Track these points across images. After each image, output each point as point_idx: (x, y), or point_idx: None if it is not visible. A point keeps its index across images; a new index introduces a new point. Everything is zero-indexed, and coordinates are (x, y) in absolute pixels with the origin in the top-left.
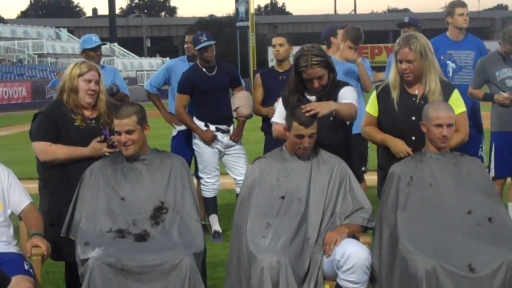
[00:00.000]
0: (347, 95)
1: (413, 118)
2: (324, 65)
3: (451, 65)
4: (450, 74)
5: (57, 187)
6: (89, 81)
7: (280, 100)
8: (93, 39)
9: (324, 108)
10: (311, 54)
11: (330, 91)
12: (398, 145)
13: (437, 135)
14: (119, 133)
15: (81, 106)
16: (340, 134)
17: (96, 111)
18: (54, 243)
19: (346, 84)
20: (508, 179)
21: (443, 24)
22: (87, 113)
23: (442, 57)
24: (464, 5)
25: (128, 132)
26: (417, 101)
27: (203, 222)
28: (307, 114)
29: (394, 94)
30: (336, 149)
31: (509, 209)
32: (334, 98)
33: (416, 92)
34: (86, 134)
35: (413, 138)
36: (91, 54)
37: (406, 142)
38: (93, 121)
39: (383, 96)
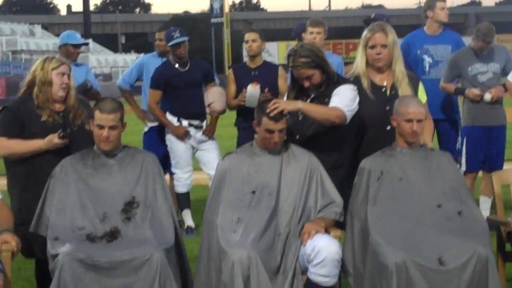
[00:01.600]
0: (337, 96)
1: (387, 108)
2: (312, 66)
3: (427, 59)
4: (427, 69)
5: (26, 184)
6: (63, 74)
7: (250, 85)
8: (77, 36)
9: (289, 105)
10: (298, 54)
11: (325, 90)
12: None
13: (407, 130)
14: (101, 127)
15: (52, 100)
16: (333, 134)
17: (64, 105)
18: (25, 241)
19: (347, 82)
20: (480, 173)
21: (417, 20)
22: (57, 106)
23: (418, 52)
24: None
25: (112, 127)
26: (388, 92)
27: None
28: (272, 113)
29: (365, 84)
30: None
31: (480, 202)
32: (329, 97)
33: (385, 83)
34: (52, 129)
35: (388, 128)
36: (71, 50)
37: (380, 133)
38: (60, 115)
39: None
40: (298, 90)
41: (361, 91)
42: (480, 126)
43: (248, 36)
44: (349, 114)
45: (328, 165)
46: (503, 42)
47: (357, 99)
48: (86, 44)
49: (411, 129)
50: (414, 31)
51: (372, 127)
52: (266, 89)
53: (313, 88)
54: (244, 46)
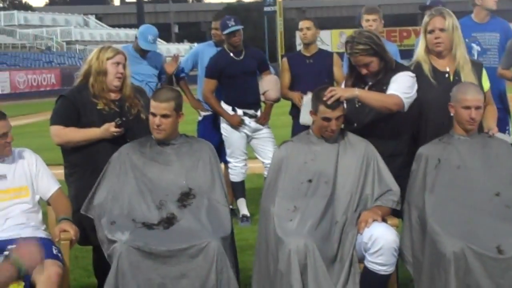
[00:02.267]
0: (395, 83)
1: (450, 94)
2: (370, 53)
3: (475, 48)
4: (475, 57)
5: (83, 172)
6: (118, 64)
7: (309, 94)
8: (149, 37)
9: (346, 92)
10: (356, 41)
11: (383, 78)
12: None
13: (465, 117)
14: (154, 115)
15: (108, 90)
16: (391, 122)
17: (120, 94)
18: (81, 228)
19: (405, 69)
20: None
21: (466, 7)
22: (112, 96)
23: (467, 40)
24: None
25: (164, 116)
26: (451, 78)
27: (231, 207)
28: (329, 101)
29: (427, 69)
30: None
31: None
32: (387, 84)
33: (447, 69)
34: (109, 118)
35: (452, 114)
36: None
37: (445, 119)
38: (116, 103)
39: (416, 74)
40: (356, 78)
41: (422, 77)
42: None
43: (303, 24)
44: (407, 101)
45: (385, 153)
46: None
47: (415, 87)
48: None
49: (469, 116)
50: (462, 19)
51: (436, 113)
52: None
53: (371, 75)
54: (298, 34)
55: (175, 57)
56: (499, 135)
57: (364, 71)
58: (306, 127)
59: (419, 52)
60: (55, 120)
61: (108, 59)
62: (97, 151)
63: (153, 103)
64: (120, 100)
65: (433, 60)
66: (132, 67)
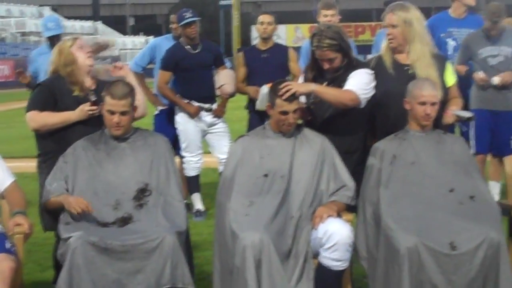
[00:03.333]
0: (352, 79)
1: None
2: (336, 49)
3: (451, 43)
4: (451, 52)
5: (56, 160)
6: (81, 46)
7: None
8: (50, 26)
9: (301, 87)
10: (324, 35)
11: (342, 75)
12: None
13: (420, 113)
14: (112, 113)
15: (82, 75)
16: (347, 118)
17: (95, 82)
18: (51, 214)
19: (364, 66)
20: (489, 158)
21: (432, 2)
22: (88, 83)
23: (442, 35)
24: None
25: (123, 113)
26: (410, 70)
27: (185, 201)
28: (284, 96)
29: (388, 61)
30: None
31: (490, 187)
32: (345, 81)
33: (408, 62)
34: (85, 103)
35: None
36: (54, 40)
37: (400, 110)
38: (92, 91)
39: (377, 67)
40: (317, 71)
41: (384, 69)
42: (488, 110)
43: (264, 18)
44: (363, 98)
45: (342, 150)
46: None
47: (373, 83)
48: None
49: (424, 112)
50: (438, 14)
51: (394, 105)
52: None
53: (331, 71)
54: (256, 28)
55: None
56: (458, 112)
57: (326, 65)
58: (262, 122)
59: (383, 46)
60: (31, 106)
61: (70, 46)
62: (71, 139)
63: (110, 100)
64: (96, 89)
65: (396, 54)
66: (44, 64)
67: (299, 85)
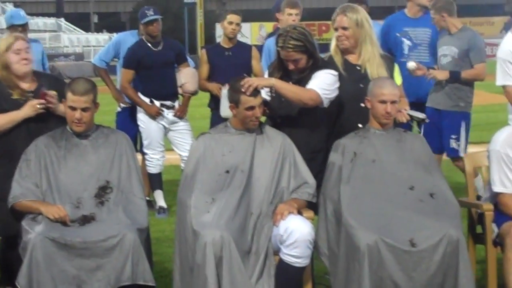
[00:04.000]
0: (316, 79)
1: (361, 85)
2: (302, 50)
3: (406, 42)
4: (406, 52)
5: (1, 161)
6: (19, 51)
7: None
8: (21, 14)
9: (262, 81)
10: (289, 36)
11: (308, 76)
12: None
13: (381, 111)
14: (74, 109)
15: (18, 79)
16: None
17: (34, 83)
18: (2, 216)
19: (329, 67)
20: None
21: (397, 2)
22: (24, 85)
23: (397, 34)
24: None
25: (84, 109)
26: (362, 70)
27: (148, 198)
28: (247, 91)
29: (338, 62)
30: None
31: None
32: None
33: (359, 62)
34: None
35: (362, 104)
36: (19, 29)
37: (355, 110)
38: (31, 94)
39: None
40: (283, 72)
41: (335, 69)
42: (432, 108)
43: (233, 18)
44: (325, 98)
45: (308, 150)
46: (475, 25)
47: (337, 84)
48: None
49: (385, 110)
50: (395, 14)
51: (347, 104)
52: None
53: (297, 71)
54: (222, 26)
55: None
56: (412, 112)
57: (291, 66)
58: (225, 119)
59: (332, 47)
60: None
61: (7, 49)
62: (15, 140)
63: (71, 96)
64: (35, 91)
65: (346, 54)
66: None
67: (259, 79)
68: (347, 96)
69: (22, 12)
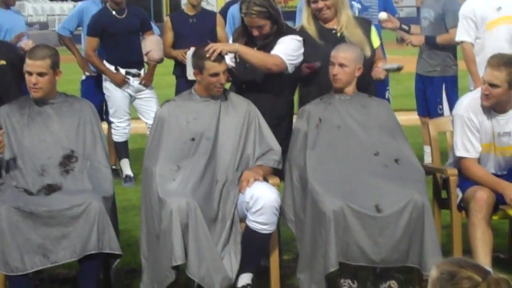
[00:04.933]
0: (280, 45)
1: None
2: (265, 16)
3: (356, 5)
4: (356, 14)
5: None
6: None
7: (192, 49)
8: None
9: (226, 46)
10: (253, 2)
11: (272, 42)
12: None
13: (330, 74)
14: (30, 74)
15: None
16: (276, 83)
17: None
18: None
19: (293, 32)
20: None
21: None
22: None
23: None
24: None
25: (40, 74)
26: (338, 34)
27: (114, 167)
28: (212, 57)
29: (313, 32)
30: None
31: (425, 152)
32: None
33: (335, 26)
34: None
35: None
36: None
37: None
38: None
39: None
40: (248, 38)
41: (309, 40)
42: (418, 74)
43: None
44: (290, 63)
45: (273, 115)
46: None
47: (301, 50)
48: None
49: (331, 72)
50: None
51: (325, 70)
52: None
53: (261, 37)
54: None
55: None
56: (387, 66)
57: (255, 32)
58: (190, 87)
59: (303, 20)
60: None
61: None
62: None
63: (28, 61)
64: None
65: (321, 22)
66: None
67: (223, 44)
68: (325, 61)
69: None
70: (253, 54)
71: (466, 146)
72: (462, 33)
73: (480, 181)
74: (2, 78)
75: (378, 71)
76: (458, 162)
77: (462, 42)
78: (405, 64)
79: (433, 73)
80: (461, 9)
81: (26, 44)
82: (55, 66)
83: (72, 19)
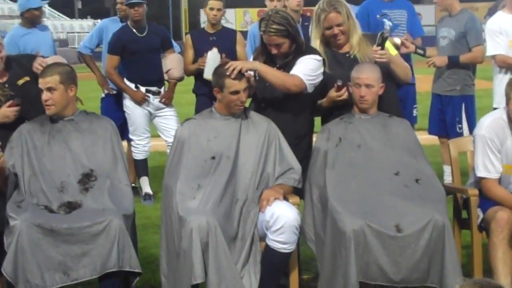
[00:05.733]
0: (300, 64)
1: None
2: (283, 34)
3: (388, 22)
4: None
5: None
6: None
7: (214, 49)
8: None
9: (246, 64)
10: (271, 20)
11: (292, 61)
12: None
13: (356, 95)
14: (42, 91)
15: None
16: (296, 103)
17: (6, 73)
18: None
19: (313, 52)
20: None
21: None
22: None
23: (378, 16)
24: None
25: (49, 89)
26: (352, 56)
27: (133, 185)
28: (232, 75)
29: (326, 57)
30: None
31: (445, 172)
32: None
33: (348, 50)
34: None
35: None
36: (36, 13)
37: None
38: (6, 86)
39: None
40: (267, 56)
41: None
42: (435, 94)
43: (214, 4)
44: (309, 83)
45: (292, 135)
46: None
47: (321, 70)
48: (48, 1)
49: (359, 94)
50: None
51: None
52: (224, 55)
53: (280, 56)
54: (205, 12)
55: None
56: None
57: (274, 51)
58: (210, 105)
59: (315, 44)
60: None
61: None
62: None
63: (39, 80)
64: (9, 80)
65: (333, 45)
66: (30, 44)
67: (244, 62)
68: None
69: None
70: (272, 73)
71: (487, 166)
72: (494, 48)
73: (501, 201)
74: (26, 94)
75: (374, 54)
76: (479, 182)
77: (494, 56)
78: (420, 83)
79: (453, 92)
80: (488, 25)
81: (42, 61)
82: (66, 81)
83: (93, 37)
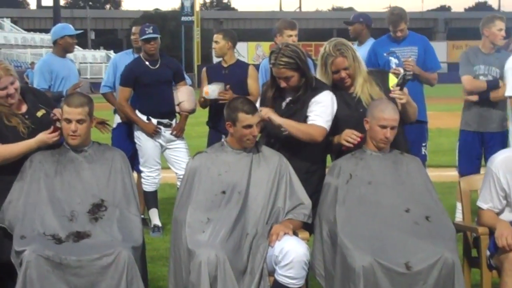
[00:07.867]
0: (317, 108)
1: (361, 110)
2: (293, 68)
3: (394, 60)
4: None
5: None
6: (4, 89)
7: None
8: (71, 26)
9: (276, 118)
10: (281, 53)
11: (302, 95)
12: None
13: (380, 136)
14: (69, 121)
15: (10, 110)
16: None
17: (22, 102)
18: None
19: (325, 88)
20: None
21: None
22: (19, 109)
23: (385, 54)
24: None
25: (79, 121)
26: (356, 95)
27: (143, 216)
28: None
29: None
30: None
31: (457, 209)
32: (306, 103)
33: (352, 90)
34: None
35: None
36: (70, 41)
37: (360, 132)
38: (26, 117)
39: None
40: (276, 90)
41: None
42: (468, 131)
43: (215, 37)
44: (328, 125)
45: (303, 170)
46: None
47: (335, 105)
48: (82, 30)
49: (384, 135)
50: (380, 37)
51: (344, 128)
52: (228, 86)
53: (289, 90)
54: None
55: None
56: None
57: (283, 84)
58: (219, 138)
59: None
60: None
61: None
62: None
63: (67, 109)
64: (28, 111)
65: (341, 88)
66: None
67: (274, 114)
68: (349, 123)
69: (71, 25)
70: (297, 128)
71: (486, 198)
72: None
73: (487, 224)
74: (44, 127)
75: (393, 93)
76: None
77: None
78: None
79: (493, 128)
80: (508, 63)
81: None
82: (91, 114)
83: (109, 75)
